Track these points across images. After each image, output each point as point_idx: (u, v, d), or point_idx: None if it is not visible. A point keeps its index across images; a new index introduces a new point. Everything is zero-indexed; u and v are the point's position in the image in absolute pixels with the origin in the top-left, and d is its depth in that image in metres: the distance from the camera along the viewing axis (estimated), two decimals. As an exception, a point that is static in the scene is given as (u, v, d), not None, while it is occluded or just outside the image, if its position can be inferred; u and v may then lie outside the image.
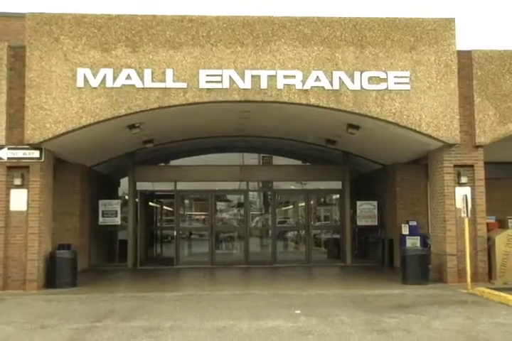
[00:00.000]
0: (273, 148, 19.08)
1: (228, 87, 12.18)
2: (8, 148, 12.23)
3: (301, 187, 19.24)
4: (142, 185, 18.17)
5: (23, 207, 12.26)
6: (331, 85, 12.33)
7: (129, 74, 12.09)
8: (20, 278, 12.12)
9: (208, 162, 18.48)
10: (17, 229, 12.21)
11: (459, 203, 12.45)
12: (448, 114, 12.58)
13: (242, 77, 12.19)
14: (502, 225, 15.12)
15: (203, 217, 19.49)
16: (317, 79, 12.32)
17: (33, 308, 10.18)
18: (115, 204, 17.68)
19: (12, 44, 12.71)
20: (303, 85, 12.28)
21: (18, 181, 12.21)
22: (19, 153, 12.25)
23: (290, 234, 19.84)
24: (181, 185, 18.27)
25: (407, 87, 12.50)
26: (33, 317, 9.25)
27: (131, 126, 13.24)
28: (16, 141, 12.21)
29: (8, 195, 12.26)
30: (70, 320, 8.90)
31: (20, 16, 15.35)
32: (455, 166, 12.89)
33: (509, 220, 16.46)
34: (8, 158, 12.23)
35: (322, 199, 20.46)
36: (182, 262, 17.59)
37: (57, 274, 12.51)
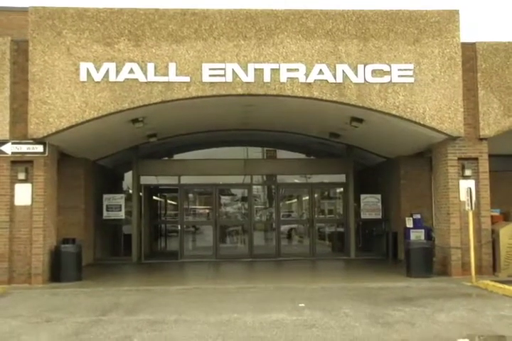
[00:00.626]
0: (277, 142, 19.07)
1: (231, 80, 12.16)
2: (12, 143, 12.25)
3: (305, 181, 19.22)
4: (146, 179, 18.19)
5: (28, 202, 12.29)
6: (335, 78, 12.29)
7: (131, 68, 12.08)
8: (25, 272, 12.17)
9: (212, 156, 18.48)
10: (22, 223, 12.25)
11: (463, 196, 12.42)
12: (452, 106, 12.54)
13: (245, 70, 12.17)
14: (506, 218, 15.05)
15: (207, 211, 19.51)
16: (320, 72, 12.28)
17: (39, 302, 10.22)
18: (119, 199, 17.71)
19: (15, 38, 12.69)
20: (306, 78, 12.25)
21: (22, 176, 12.23)
22: (23, 148, 12.27)
23: (294, 228, 19.84)
24: (185, 179, 18.28)
25: (411, 79, 12.45)
26: (39, 310, 9.29)
27: (135, 120, 13.24)
28: (19, 135, 12.22)
29: (12, 189, 12.28)
30: (75, 314, 8.94)
31: (23, 10, 15.31)
32: (459, 159, 12.85)
33: (514, 213, 16.42)
34: (12, 153, 12.25)
35: (326, 193, 20.45)
36: (186, 256, 17.64)
37: (63, 268, 12.56)
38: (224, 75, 12.15)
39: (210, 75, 12.13)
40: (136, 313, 8.93)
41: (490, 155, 12.99)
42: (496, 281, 11.31)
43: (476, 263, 12.10)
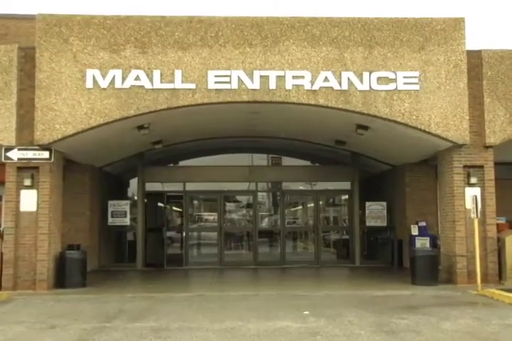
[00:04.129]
0: (282, 149, 19.07)
1: (237, 87, 12.19)
2: (18, 149, 12.30)
3: (310, 188, 19.22)
4: (151, 186, 18.22)
5: (33, 208, 12.31)
6: (340, 86, 12.31)
7: (138, 75, 12.13)
8: (30, 278, 12.18)
9: (217, 163, 18.50)
10: (27, 229, 12.27)
11: (469, 204, 12.38)
12: (457, 114, 12.52)
13: (251, 77, 12.20)
14: (512, 226, 14.99)
15: (212, 217, 19.49)
16: (326, 79, 12.30)
17: (43, 308, 10.22)
18: (124, 205, 17.73)
19: (22, 45, 12.78)
20: (311, 86, 12.27)
21: (27, 182, 12.27)
22: (29, 154, 12.31)
23: (299, 235, 19.79)
24: (190, 186, 18.30)
25: (417, 87, 12.45)
26: (43, 317, 9.29)
27: (140, 127, 13.27)
28: (25, 141, 12.27)
29: (18, 195, 12.32)
30: (79, 320, 8.94)
31: (30, 18, 15.42)
32: (465, 167, 12.82)
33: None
34: (18, 159, 12.30)
35: (331, 200, 20.41)
36: (191, 263, 17.62)
37: (67, 274, 12.57)
38: (229, 82, 12.18)
39: (215, 82, 12.17)
40: (140, 320, 8.92)
41: (495, 163, 12.96)
42: (501, 290, 11.25)
43: (482, 271, 12.03)
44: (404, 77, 12.41)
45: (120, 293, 11.94)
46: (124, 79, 12.11)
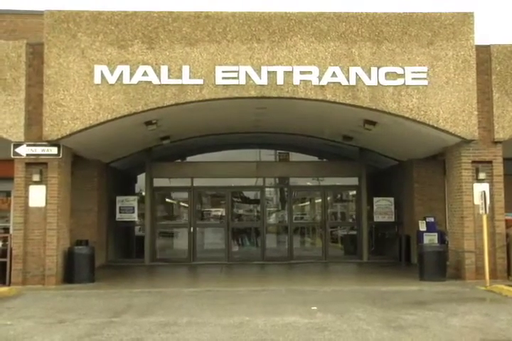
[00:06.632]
0: (289, 145, 19.06)
1: (244, 83, 12.18)
2: (27, 145, 12.35)
3: (317, 184, 19.20)
4: (159, 182, 18.25)
5: (42, 203, 12.38)
6: (348, 81, 12.28)
7: (145, 71, 12.14)
8: (39, 273, 12.25)
9: (225, 158, 18.50)
10: (36, 225, 12.33)
11: (477, 199, 12.34)
12: (466, 109, 12.46)
13: (259, 73, 12.19)
14: (521, 222, 14.92)
15: (219, 213, 19.50)
16: (334, 74, 12.27)
17: (52, 303, 10.28)
18: (132, 201, 17.78)
19: (31, 41, 12.81)
20: (319, 81, 12.24)
21: (36, 177, 12.33)
22: (38, 150, 12.36)
23: (306, 231, 19.79)
24: (198, 182, 18.32)
25: (425, 82, 12.40)
26: (52, 311, 9.35)
27: (148, 123, 13.30)
28: (34, 137, 12.33)
29: (27, 191, 12.38)
30: (88, 315, 8.99)
31: (38, 14, 15.45)
32: (473, 162, 12.77)
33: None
34: (27, 155, 12.35)
35: (339, 196, 20.39)
36: (199, 258, 17.66)
37: (76, 270, 12.64)
38: (237, 78, 12.17)
39: (223, 78, 12.16)
40: (149, 315, 8.96)
41: (504, 159, 12.89)
42: (510, 286, 11.21)
43: (490, 267, 12.00)
44: (412, 72, 12.36)
45: (128, 288, 12.00)
46: (131, 74, 12.12)
